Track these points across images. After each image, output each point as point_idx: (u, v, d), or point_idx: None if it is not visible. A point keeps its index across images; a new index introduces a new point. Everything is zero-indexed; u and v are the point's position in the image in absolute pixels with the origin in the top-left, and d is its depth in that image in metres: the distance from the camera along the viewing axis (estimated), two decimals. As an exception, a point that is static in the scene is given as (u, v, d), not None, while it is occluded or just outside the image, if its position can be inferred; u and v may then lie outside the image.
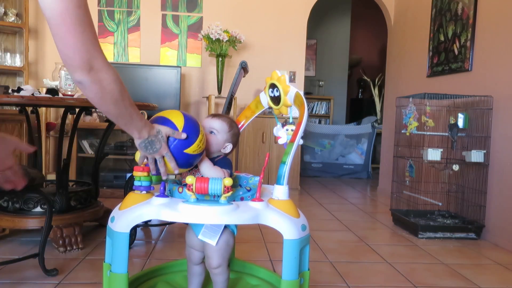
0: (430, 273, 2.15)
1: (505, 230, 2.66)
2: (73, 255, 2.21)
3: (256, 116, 1.51)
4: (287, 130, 1.33)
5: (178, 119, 1.17)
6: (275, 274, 1.53)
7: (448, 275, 2.14)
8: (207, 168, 1.23)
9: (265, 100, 1.42)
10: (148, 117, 3.64)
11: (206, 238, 1.26)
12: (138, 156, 1.21)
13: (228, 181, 1.09)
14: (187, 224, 1.38)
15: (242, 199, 1.23)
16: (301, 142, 1.27)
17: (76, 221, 2.32)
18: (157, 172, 1.19)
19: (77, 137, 3.66)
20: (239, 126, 1.47)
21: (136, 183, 1.22)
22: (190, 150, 1.16)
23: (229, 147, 1.33)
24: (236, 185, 1.34)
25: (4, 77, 4.05)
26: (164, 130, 1.13)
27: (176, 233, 2.72)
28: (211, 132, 1.29)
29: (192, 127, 1.17)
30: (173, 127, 1.15)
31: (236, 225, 1.34)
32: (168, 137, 1.14)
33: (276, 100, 1.34)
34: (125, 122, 1.06)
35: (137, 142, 1.13)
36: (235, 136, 1.34)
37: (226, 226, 1.31)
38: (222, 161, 1.29)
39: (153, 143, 1.12)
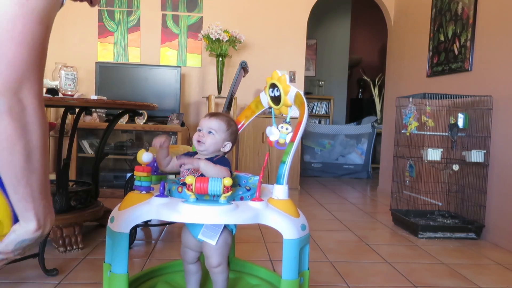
0: (430, 273, 2.15)
1: (505, 230, 2.66)
2: (73, 255, 2.21)
3: (256, 116, 1.51)
4: (281, 127, 1.33)
5: None
6: (275, 273, 1.53)
7: (448, 275, 2.14)
8: (207, 166, 1.21)
9: (265, 100, 1.42)
10: (149, 117, 3.66)
11: (206, 237, 1.26)
12: (140, 156, 1.21)
13: (228, 181, 1.09)
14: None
15: (241, 198, 1.23)
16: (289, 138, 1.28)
17: (76, 221, 2.32)
18: (157, 171, 1.18)
19: (77, 137, 3.66)
20: (239, 126, 1.47)
21: (136, 183, 1.22)
22: None
23: (228, 146, 1.33)
24: (235, 184, 1.35)
25: (4, 77, 4.05)
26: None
27: (176, 233, 2.72)
28: (210, 132, 1.30)
29: None
30: None
31: (235, 224, 1.34)
32: None
33: (276, 100, 1.35)
34: (32, 191, 0.70)
35: (22, 236, 0.73)
36: (234, 134, 1.35)
37: (224, 226, 1.31)
38: (220, 161, 1.29)
39: (34, 243, 0.76)
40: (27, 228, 0.73)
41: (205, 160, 1.25)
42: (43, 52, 0.69)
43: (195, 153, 1.36)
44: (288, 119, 1.34)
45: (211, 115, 1.33)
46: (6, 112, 0.65)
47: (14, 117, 0.65)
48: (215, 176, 1.16)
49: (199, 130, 1.31)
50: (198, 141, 1.29)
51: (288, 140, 1.32)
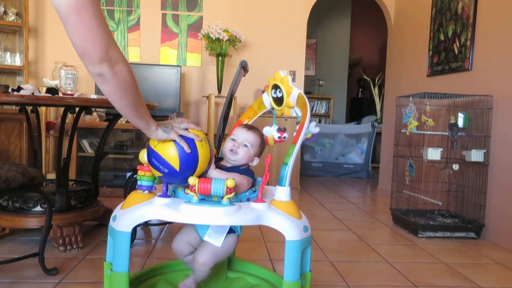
0: (430, 273, 2.15)
1: (505, 229, 2.66)
2: (73, 254, 2.21)
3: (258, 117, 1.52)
4: (277, 130, 1.34)
5: (173, 160, 1.16)
6: (275, 273, 1.53)
7: (448, 274, 2.14)
8: (218, 175, 1.22)
9: (267, 100, 1.42)
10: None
11: (211, 239, 1.26)
12: (142, 155, 1.21)
13: (231, 183, 1.09)
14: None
15: (248, 199, 1.24)
16: (317, 130, 1.30)
17: (76, 220, 2.32)
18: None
19: (77, 136, 3.66)
20: None
21: (139, 182, 1.22)
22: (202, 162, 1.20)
23: (256, 161, 1.35)
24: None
25: (4, 77, 4.05)
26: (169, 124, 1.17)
27: (176, 232, 2.70)
28: (245, 145, 1.30)
29: (188, 168, 1.17)
30: (168, 166, 1.15)
31: (241, 226, 1.35)
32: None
33: (278, 101, 1.34)
34: (144, 111, 1.08)
35: (159, 130, 1.13)
36: (262, 151, 1.37)
37: (233, 231, 1.31)
38: (246, 171, 1.29)
39: (167, 125, 1.15)
40: (154, 129, 1.13)
41: (216, 169, 1.25)
42: (105, 20, 0.91)
43: (221, 159, 1.36)
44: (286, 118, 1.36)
45: (248, 128, 1.34)
46: (112, 77, 0.94)
47: (116, 79, 0.94)
48: (241, 186, 1.21)
49: (233, 140, 1.31)
50: (231, 150, 1.29)
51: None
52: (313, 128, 1.30)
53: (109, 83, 0.94)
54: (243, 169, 1.29)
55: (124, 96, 1.00)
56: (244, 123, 1.47)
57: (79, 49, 0.88)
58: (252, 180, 1.27)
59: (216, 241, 1.25)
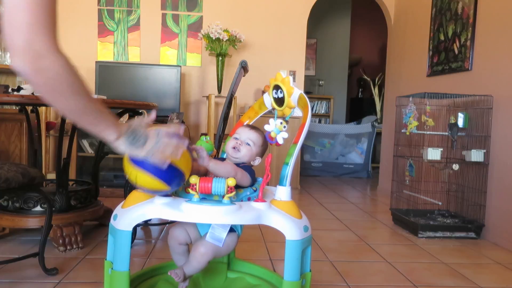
0: (430, 273, 2.15)
1: (505, 229, 2.66)
2: (73, 254, 2.21)
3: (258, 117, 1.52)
4: (280, 122, 1.34)
5: (155, 185, 1.05)
6: (275, 273, 1.53)
7: (448, 274, 2.14)
8: (215, 166, 1.20)
9: (268, 101, 1.42)
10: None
11: (213, 240, 1.26)
12: None
13: (232, 181, 1.09)
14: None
15: (249, 199, 1.24)
16: (286, 135, 1.30)
17: (76, 220, 2.32)
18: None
19: (77, 136, 3.66)
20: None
21: None
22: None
23: (258, 161, 1.36)
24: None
25: (4, 76, 4.05)
26: (141, 121, 0.97)
27: (176, 232, 2.71)
28: (248, 143, 1.32)
29: (174, 178, 1.06)
30: (156, 192, 1.09)
31: (241, 226, 1.35)
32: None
33: (279, 101, 1.35)
34: (89, 121, 0.88)
35: (119, 142, 0.93)
36: (264, 152, 1.38)
37: (233, 230, 1.31)
38: (246, 168, 1.29)
39: (136, 132, 0.94)
40: (112, 141, 0.93)
41: (214, 159, 1.25)
42: (51, 13, 0.76)
43: (222, 159, 1.38)
44: (288, 117, 1.35)
45: (252, 127, 1.37)
46: (33, 75, 0.77)
47: (40, 77, 0.77)
48: (226, 176, 1.16)
49: (236, 138, 1.33)
50: (234, 148, 1.31)
51: (282, 138, 1.33)
52: (283, 133, 1.32)
53: (32, 82, 0.78)
54: (244, 166, 1.30)
55: (54, 100, 0.82)
56: (246, 123, 1.48)
57: (4, 33, 0.74)
58: (249, 176, 1.26)
59: (218, 241, 1.26)
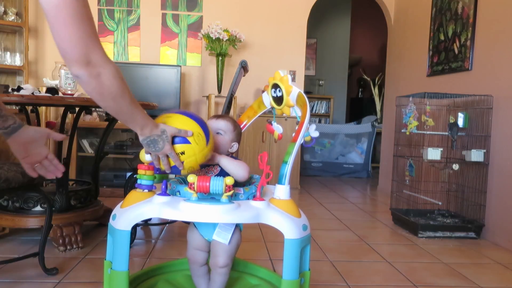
0: (430, 272, 2.15)
1: (505, 229, 2.66)
2: (73, 254, 2.21)
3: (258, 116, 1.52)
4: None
5: (191, 126, 1.16)
6: (275, 273, 1.53)
7: (447, 274, 2.14)
8: (228, 162, 1.25)
9: (267, 100, 1.42)
10: (149, 116, 3.55)
11: (220, 237, 1.26)
12: (142, 154, 1.21)
13: (230, 180, 1.09)
14: (187, 223, 1.38)
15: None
16: (317, 134, 1.29)
17: (76, 220, 2.32)
18: (160, 170, 1.19)
19: (77, 136, 3.66)
20: (242, 126, 1.48)
21: (138, 181, 1.22)
22: (210, 146, 1.18)
23: (235, 146, 1.35)
24: (250, 183, 1.35)
25: (4, 76, 4.05)
26: (170, 130, 1.12)
27: (176, 232, 2.72)
28: (218, 133, 1.31)
29: (205, 125, 1.19)
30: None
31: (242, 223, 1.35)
32: (173, 137, 1.13)
33: (278, 100, 1.34)
34: (125, 119, 1.05)
35: (140, 139, 1.12)
36: (239, 135, 1.37)
37: (236, 225, 1.32)
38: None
39: (155, 142, 1.10)
40: (138, 134, 1.10)
41: (223, 156, 1.26)
42: (90, 21, 0.87)
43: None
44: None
45: (217, 117, 1.35)
46: (88, 80, 0.90)
47: (94, 82, 0.90)
48: (235, 170, 1.22)
49: None
50: None
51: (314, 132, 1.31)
52: (313, 131, 1.29)
53: (86, 85, 0.91)
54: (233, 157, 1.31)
55: (103, 100, 0.97)
56: (244, 123, 1.48)
57: (58, 47, 0.85)
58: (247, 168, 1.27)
59: (225, 239, 1.26)
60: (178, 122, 1.15)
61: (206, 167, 1.29)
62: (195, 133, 1.15)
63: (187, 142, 1.13)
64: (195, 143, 1.14)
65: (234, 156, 1.35)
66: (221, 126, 1.32)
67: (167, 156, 1.14)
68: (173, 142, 1.13)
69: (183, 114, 1.18)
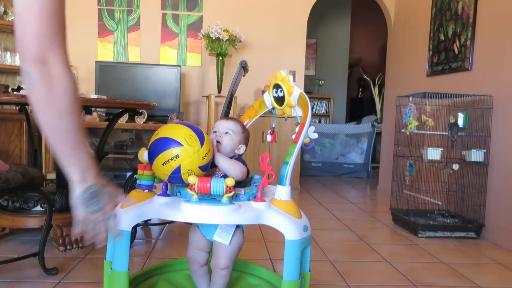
0: (430, 272, 2.15)
1: (505, 229, 2.66)
2: (73, 254, 2.21)
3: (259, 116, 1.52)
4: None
5: (179, 130, 1.12)
6: (276, 274, 1.53)
7: (448, 274, 2.14)
8: (222, 160, 1.24)
9: (268, 100, 1.42)
10: (149, 116, 3.63)
11: (220, 238, 1.26)
12: (141, 154, 1.20)
13: (230, 181, 1.09)
14: (187, 223, 1.37)
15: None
16: (316, 136, 1.28)
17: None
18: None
19: (77, 136, 3.65)
20: None
21: (138, 181, 1.22)
22: (206, 147, 1.15)
23: (242, 149, 1.36)
24: (250, 184, 1.35)
25: (4, 76, 4.05)
26: (114, 189, 0.94)
27: (176, 232, 2.72)
28: (227, 132, 1.32)
29: (197, 129, 1.17)
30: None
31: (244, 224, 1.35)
32: (162, 143, 1.06)
33: (280, 100, 1.34)
34: (65, 149, 0.85)
35: (77, 191, 0.87)
36: (247, 139, 1.38)
37: (238, 226, 1.31)
38: (238, 160, 1.31)
39: (99, 195, 0.88)
40: (73, 181, 0.86)
41: (219, 154, 1.26)
42: (60, 21, 0.79)
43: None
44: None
45: (227, 118, 1.37)
46: (38, 80, 0.77)
47: (44, 84, 0.77)
48: (229, 169, 1.21)
49: (215, 132, 1.33)
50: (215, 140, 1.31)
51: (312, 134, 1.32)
52: (311, 133, 1.29)
53: (34, 87, 0.78)
54: (237, 159, 1.31)
55: (45, 112, 0.80)
56: (246, 122, 1.49)
57: (17, 40, 0.77)
58: (246, 168, 1.27)
59: (225, 240, 1.26)
60: (164, 129, 1.13)
61: (210, 169, 1.29)
62: (185, 135, 1.10)
63: (179, 144, 1.10)
64: (187, 144, 1.11)
65: (238, 157, 1.34)
66: (230, 126, 1.33)
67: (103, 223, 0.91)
68: (162, 149, 1.07)
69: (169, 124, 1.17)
